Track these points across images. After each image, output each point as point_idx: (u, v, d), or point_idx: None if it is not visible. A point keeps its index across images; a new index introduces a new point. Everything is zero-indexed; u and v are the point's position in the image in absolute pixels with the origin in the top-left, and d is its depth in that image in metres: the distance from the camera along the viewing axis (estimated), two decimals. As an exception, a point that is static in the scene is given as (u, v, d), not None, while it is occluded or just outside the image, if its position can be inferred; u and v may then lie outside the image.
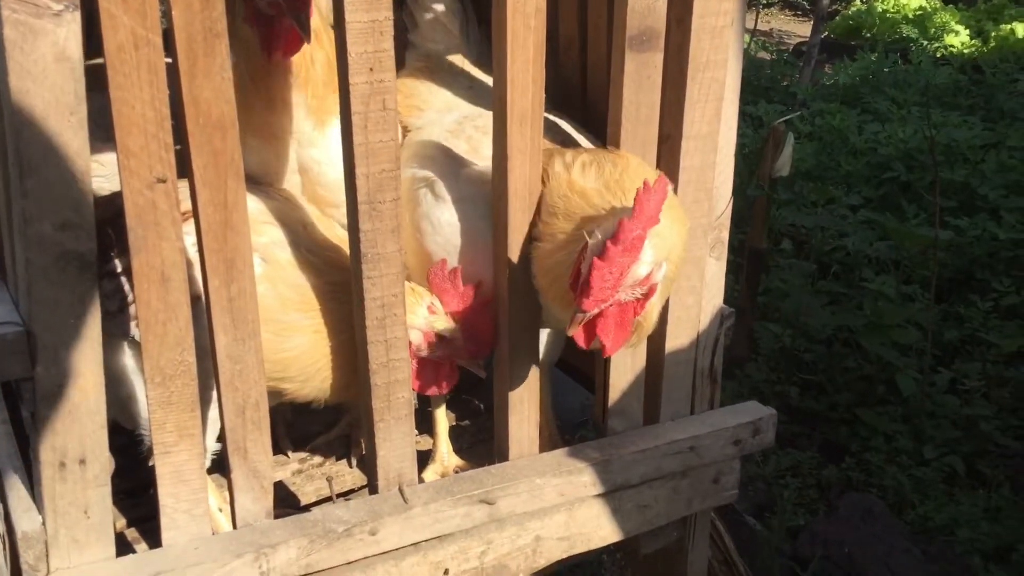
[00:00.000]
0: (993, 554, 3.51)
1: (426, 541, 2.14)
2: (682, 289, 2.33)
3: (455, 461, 2.58)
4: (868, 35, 11.27)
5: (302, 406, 2.37)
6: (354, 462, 2.64)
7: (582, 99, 2.63)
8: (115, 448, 1.87)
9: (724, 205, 2.38)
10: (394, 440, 2.12)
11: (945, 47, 10.28)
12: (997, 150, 6.36)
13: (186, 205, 1.83)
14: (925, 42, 10.38)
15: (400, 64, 2.48)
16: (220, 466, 2.13)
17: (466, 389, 2.93)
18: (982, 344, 4.68)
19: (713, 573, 2.83)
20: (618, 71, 2.14)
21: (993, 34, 10.35)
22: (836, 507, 3.73)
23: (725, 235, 2.41)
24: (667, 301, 2.27)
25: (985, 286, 5.11)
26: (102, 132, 1.77)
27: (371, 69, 1.88)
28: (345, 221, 2.08)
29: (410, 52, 2.70)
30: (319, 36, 2.23)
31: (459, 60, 2.66)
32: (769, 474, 3.98)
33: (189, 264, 1.85)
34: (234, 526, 2.04)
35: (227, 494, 2.12)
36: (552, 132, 2.36)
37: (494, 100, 2.08)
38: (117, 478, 1.92)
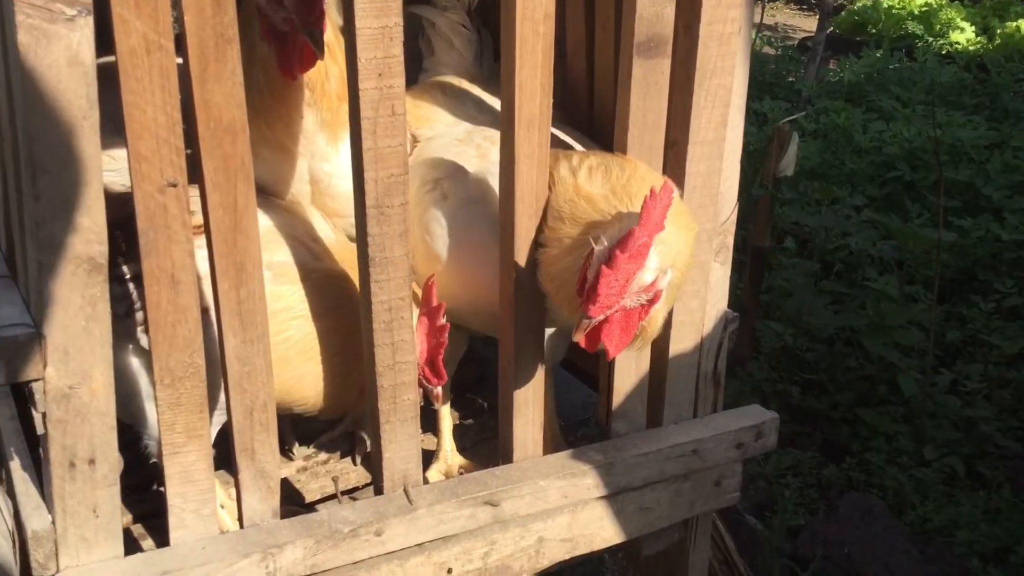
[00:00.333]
0: (992, 555, 3.53)
1: (431, 542, 2.16)
2: (687, 294, 2.34)
3: (459, 460, 2.61)
4: (873, 31, 11.25)
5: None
6: (358, 460, 2.66)
7: (589, 102, 2.64)
8: (120, 445, 1.89)
9: (729, 211, 2.40)
10: (400, 442, 2.14)
11: (950, 44, 10.26)
12: (1001, 150, 6.36)
13: (197, 219, 1.85)
14: (930, 39, 10.36)
15: (411, 83, 2.49)
16: (222, 463, 2.15)
17: (470, 388, 2.95)
18: (984, 345, 4.70)
19: (713, 573, 2.84)
20: (626, 77, 2.15)
21: (999, 31, 10.33)
22: (836, 507, 3.74)
23: (730, 240, 2.43)
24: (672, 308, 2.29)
25: (988, 287, 5.12)
26: (112, 126, 1.78)
27: (380, 75, 1.89)
28: (352, 232, 2.09)
29: (423, 76, 2.73)
30: (333, 51, 2.23)
31: (471, 85, 2.70)
32: (770, 473, 4.00)
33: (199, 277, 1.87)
34: (241, 526, 2.06)
35: (231, 491, 2.14)
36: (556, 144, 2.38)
37: (502, 104, 2.09)
38: (122, 475, 1.93)
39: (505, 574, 2.28)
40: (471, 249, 2.33)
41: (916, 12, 11.25)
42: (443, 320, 2.17)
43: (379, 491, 2.17)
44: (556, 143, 2.25)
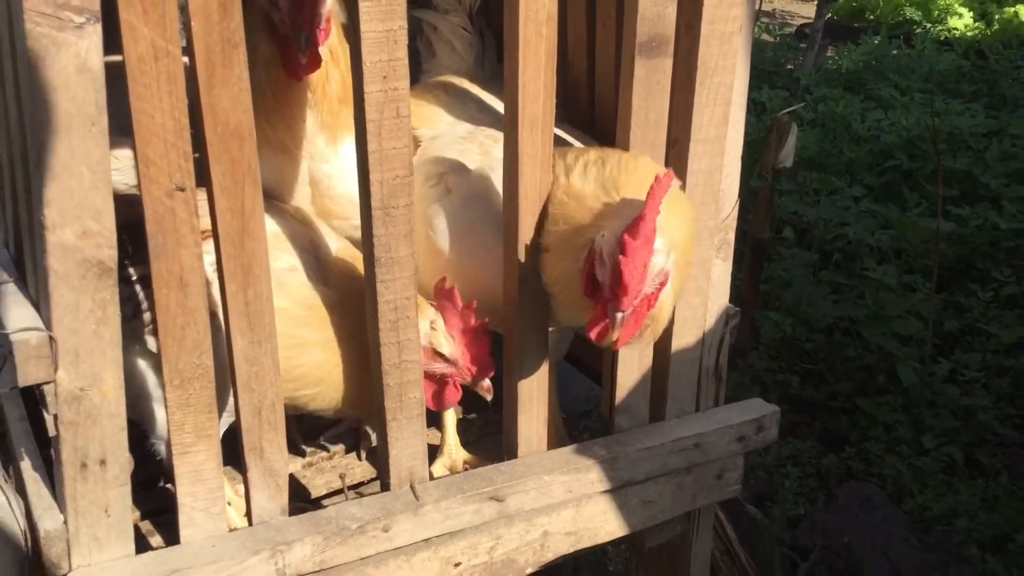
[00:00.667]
0: (991, 543, 3.56)
1: (437, 537, 2.19)
2: (689, 290, 2.36)
3: (463, 455, 2.63)
4: (871, 17, 11.23)
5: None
6: (363, 455, 2.69)
7: (590, 100, 2.66)
8: (128, 442, 1.91)
9: (731, 207, 2.42)
10: (406, 439, 2.17)
11: (948, 30, 10.26)
12: (999, 138, 6.37)
13: (205, 223, 1.86)
14: (928, 25, 10.35)
15: (414, 83, 2.51)
16: (227, 459, 2.17)
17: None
18: (982, 334, 4.72)
19: (715, 563, 2.88)
20: (628, 76, 2.16)
21: (997, 17, 10.32)
22: (836, 496, 3.77)
23: (731, 236, 2.45)
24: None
25: (986, 276, 5.14)
26: (116, 126, 1.80)
27: (385, 77, 1.90)
28: (352, 233, 2.11)
29: (424, 78, 2.75)
30: (336, 54, 2.25)
31: (472, 85, 2.72)
32: (770, 463, 4.03)
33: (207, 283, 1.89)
34: (250, 523, 2.08)
35: (237, 487, 2.16)
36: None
37: (505, 105, 2.11)
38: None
39: (510, 568, 2.31)
40: (474, 245, 2.35)
41: (914, -2, 11.24)
42: (476, 319, 2.19)
43: (386, 488, 2.20)
44: (558, 142, 2.26)
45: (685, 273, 2.14)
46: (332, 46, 2.24)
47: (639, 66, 2.14)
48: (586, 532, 2.40)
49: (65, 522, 1.88)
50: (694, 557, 2.67)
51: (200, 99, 1.79)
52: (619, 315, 1.94)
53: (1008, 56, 8.35)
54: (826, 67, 8.71)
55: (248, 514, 2.08)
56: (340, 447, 2.70)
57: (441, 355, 2.21)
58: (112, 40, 1.70)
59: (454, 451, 2.63)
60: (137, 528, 2.33)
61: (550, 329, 2.37)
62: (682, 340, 2.43)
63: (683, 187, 2.27)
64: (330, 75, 2.28)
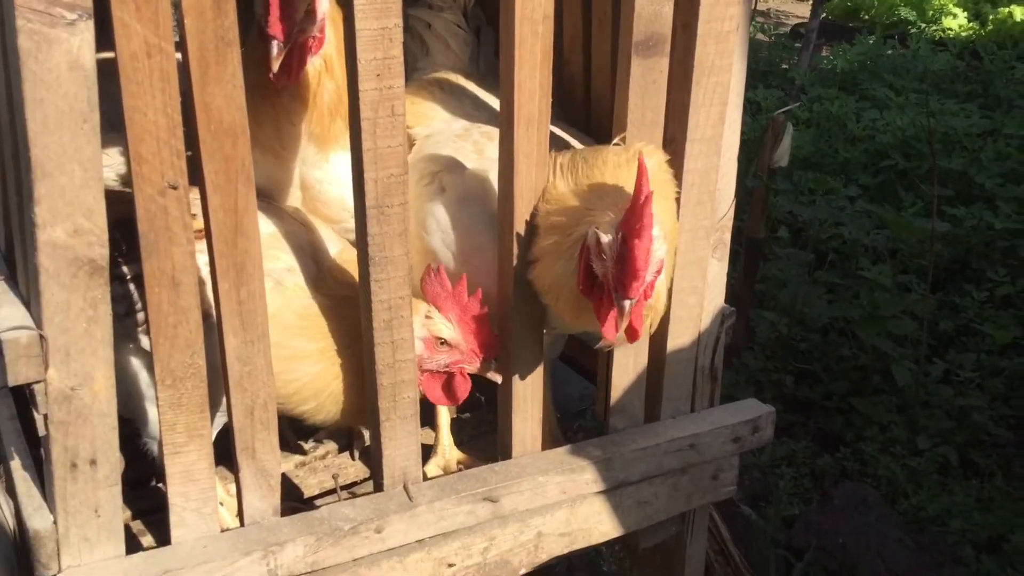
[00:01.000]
0: (985, 544, 3.56)
1: (431, 538, 2.18)
2: (684, 289, 2.36)
3: (456, 454, 2.62)
4: (866, 17, 11.25)
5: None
6: (356, 454, 2.67)
7: (585, 98, 2.65)
8: (119, 440, 1.90)
9: (727, 207, 2.41)
10: (399, 439, 2.15)
11: (943, 30, 10.27)
12: (994, 138, 6.38)
13: (198, 223, 1.85)
14: (923, 25, 10.37)
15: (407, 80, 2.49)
16: (219, 459, 2.15)
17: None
18: (977, 334, 4.72)
19: (709, 564, 2.87)
20: (624, 75, 2.15)
21: (991, 17, 10.34)
22: (830, 497, 3.76)
23: (727, 236, 2.44)
24: (670, 304, 2.30)
25: (981, 276, 5.14)
26: (106, 123, 1.78)
27: (379, 75, 1.89)
28: (344, 236, 2.09)
29: (418, 75, 2.73)
30: (331, 64, 2.22)
31: (467, 82, 2.70)
32: (764, 463, 4.02)
33: (201, 282, 1.87)
34: (242, 523, 2.07)
35: (229, 487, 2.15)
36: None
37: (501, 104, 2.10)
38: (121, 472, 1.94)
39: (504, 569, 2.30)
40: (468, 244, 2.34)
41: (908, -3, 11.26)
42: (480, 309, 2.17)
43: (379, 488, 2.18)
44: (553, 141, 2.25)
45: (672, 260, 2.15)
46: (327, 55, 2.20)
47: (636, 65, 2.13)
48: (580, 533, 2.39)
49: (55, 522, 1.86)
50: (688, 558, 2.66)
51: (193, 97, 1.77)
52: (627, 303, 1.92)
53: (1002, 56, 8.36)
54: (821, 67, 8.72)
55: (240, 514, 2.07)
56: (333, 446, 2.69)
57: (443, 341, 2.18)
58: (104, 37, 1.69)
59: (448, 451, 2.62)
60: (128, 528, 2.31)
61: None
62: (678, 340, 2.42)
63: (680, 186, 2.26)
64: (324, 84, 2.25)
